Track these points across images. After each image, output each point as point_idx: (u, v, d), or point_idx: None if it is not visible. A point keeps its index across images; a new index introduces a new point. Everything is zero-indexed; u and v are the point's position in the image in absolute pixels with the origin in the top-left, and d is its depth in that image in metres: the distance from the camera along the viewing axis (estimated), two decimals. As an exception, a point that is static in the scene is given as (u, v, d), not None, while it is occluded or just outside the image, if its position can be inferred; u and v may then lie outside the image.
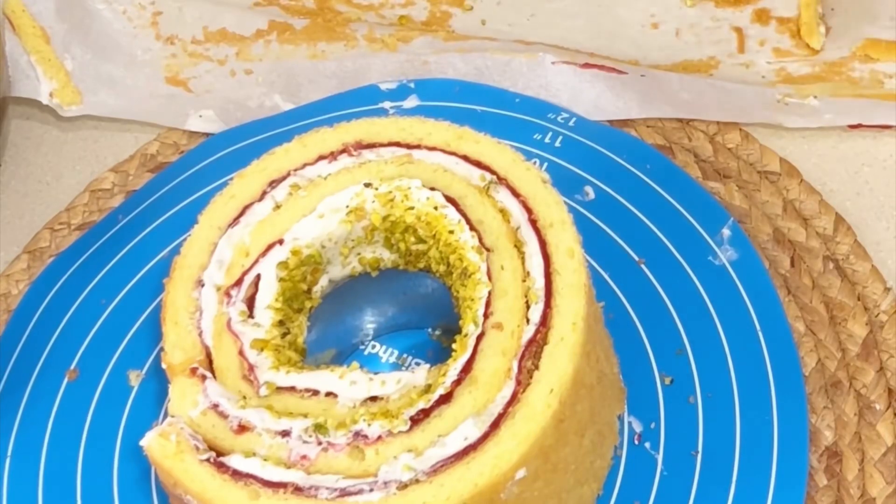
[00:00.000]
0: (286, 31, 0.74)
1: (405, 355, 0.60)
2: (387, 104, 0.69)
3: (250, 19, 0.75)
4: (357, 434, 0.48)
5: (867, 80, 0.67)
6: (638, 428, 0.56)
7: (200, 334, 0.52)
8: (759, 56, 0.70)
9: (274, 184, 0.55)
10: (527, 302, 0.50)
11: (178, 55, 0.75)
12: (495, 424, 0.47)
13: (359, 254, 0.55)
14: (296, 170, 0.55)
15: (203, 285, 0.53)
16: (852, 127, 0.66)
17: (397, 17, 0.75)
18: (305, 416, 0.49)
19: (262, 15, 0.76)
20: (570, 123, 0.67)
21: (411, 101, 0.69)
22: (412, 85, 0.70)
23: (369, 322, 0.60)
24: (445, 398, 0.48)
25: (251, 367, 0.51)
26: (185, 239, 0.54)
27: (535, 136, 0.66)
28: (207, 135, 0.71)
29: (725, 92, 0.67)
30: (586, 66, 0.68)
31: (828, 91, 0.66)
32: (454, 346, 0.50)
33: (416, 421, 0.48)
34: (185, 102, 0.72)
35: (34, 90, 0.72)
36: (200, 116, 0.72)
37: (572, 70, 0.68)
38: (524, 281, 0.50)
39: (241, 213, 0.54)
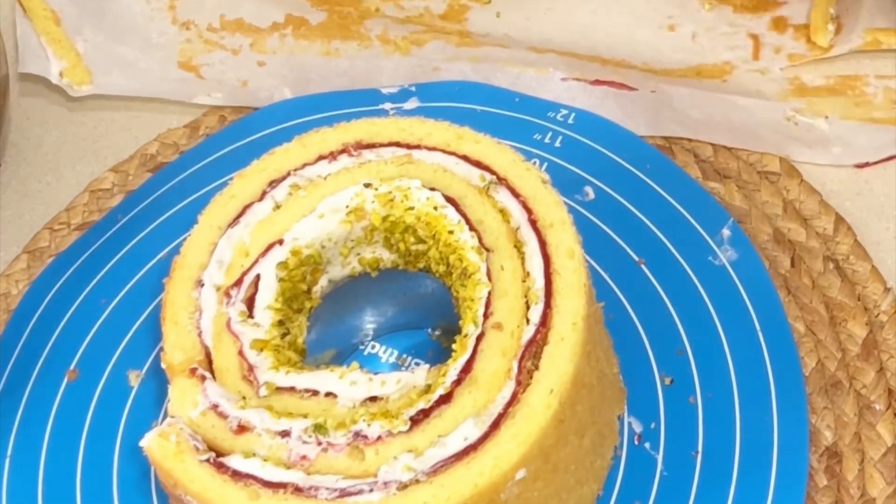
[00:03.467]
0: (302, 26, 0.74)
1: (405, 355, 0.60)
2: (387, 105, 0.69)
3: (267, 11, 0.75)
4: (357, 434, 0.48)
5: (880, 100, 0.66)
6: (638, 428, 0.56)
7: (200, 334, 0.52)
8: (773, 63, 0.70)
9: (274, 184, 0.55)
10: (527, 302, 0.50)
11: (192, 41, 0.75)
12: (495, 425, 0.47)
13: (358, 254, 0.55)
14: (296, 170, 0.55)
15: (203, 285, 0.53)
16: (859, 167, 0.65)
17: (416, 10, 0.75)
18: (305, 416, 0.49)
19: (280, 6, 0.75)
20: (570, 120, 0.67)
21: (412, 103, 0.69)
22: (413, 88, 0.70)
23: (369, 322, 0.60)
24: (445, 398, 0.48)
25: (251, 368, 0.51)
26: (185, 239, 0.54)
27: (535, 136, 0.66)
28: (208, 135, 0.71)
29: (737, 109, 0.67)
30: (596, 82, 0.68)
31: (839, 111, 0.66)
32: (454, 346, 0.50)
33: (416, 421, 0.48)
34: (195, 87, 0.73)
35: (45, 69, 0.72)
36: (209, 96, 0.72)
37: (582, 87, 0.68)
38: (524, 281, 0.50)
39: (241, 213, 0.54)
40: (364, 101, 0.69)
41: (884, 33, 0.68)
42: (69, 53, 0.72)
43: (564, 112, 0.67)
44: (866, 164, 0.65)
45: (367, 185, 0.54)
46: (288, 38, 0.74)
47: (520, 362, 0.48)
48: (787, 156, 0.65)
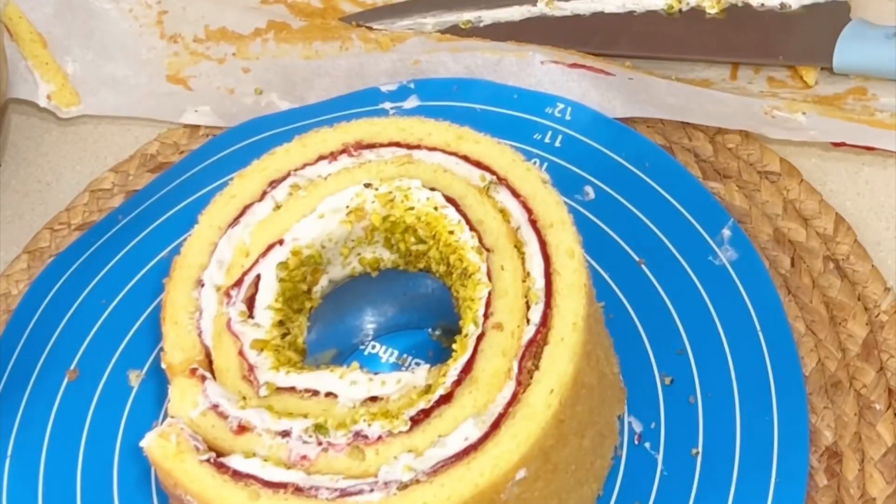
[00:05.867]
0: (283, 31, 0.75)
1: (405, 355, 0.60)
2: (387, 104, 0.69)
3: (250, 18, 0.76)
4: (357, 434, 0.48)
5: (858, 111, 0.67)
6: (638, 428, 0.56)
7: (200, 334, 0.52)
8: (752, 86, 0.70)
9: (274, 184, 0.55)
10: (527, 302, 0.50)
11: (180, 53, 0.75)
12: (495, 425, 0.47)
13: (359, 254, 0.55)
14: (296, 170, 0.55)
15: (203, 285, 0.53)
16: (836, 145, 0.65)
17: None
18: (305, 416, 0.49)
19: (263, 14, 0.76)
20: (567, 116, 0.67)
21: (411, 102, 0.69)
22: (412, 85, 0.70)
23: (369, 322, 0.60)
24: (445, 398, 0.48)
25: (251, 368, 0.51)
26: (185, 239, 0.54)
27: (535, 136, 0.66)
28: (208, 135, 0.71)
29: (714, 101, 0.67)
30: (574, 65, 0.69)
31: (818, 110, 0.66)
32: (454, 346, 0.50)
33: (416, 421, 0.48)
34: (183, 100, 0.73)
35: (32, 93, 0.73)
36: (196, 111, 0.72)
37: (560, 69, 0.69)
38: (524, 281, 0.50)
39: (241, 213, 0.54)
40: (364, 101, 0.69)
41: None
42: (56, 76, 0.74)
43: (561, 106, 0.67)
44: (842, 144, 0.65)
45: (368, 185, 0.54)
46: (270, 42, 0.75)
47: (520, 362, 0.48)
48: (763, 134, 0.65)
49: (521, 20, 0.74)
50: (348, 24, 0.76)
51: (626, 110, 0.67)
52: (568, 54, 0.70)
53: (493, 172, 0.53)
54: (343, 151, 0.55)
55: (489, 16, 0.75)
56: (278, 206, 0.54)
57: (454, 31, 0.74)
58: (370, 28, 0.75)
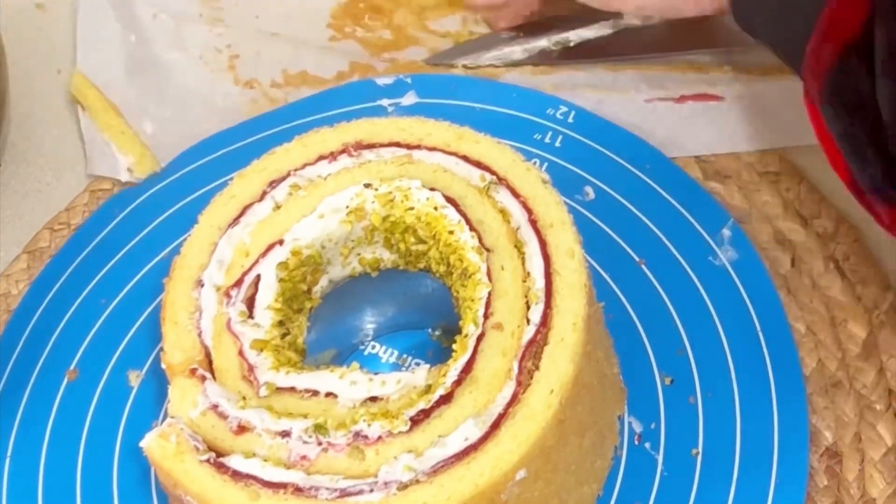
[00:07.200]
0: (368, 73, 0.72)
1: (405, 355, 0.60)
2: (385, 101, 0.69)
3: (331, 60, 0.73)
4: (357, 434, 0.48)
5: None
6: (638, 428, 0.56)
7: (200, 334, 0.52)
8: None
9: (274, 184, 0.55)
10: (527, 302, 0.50)
11: (257, 100, 0.72)
12: (496, 425, 0.47)
13: (359, 254, 0.55)
14: (296, 170, 0.55)
15: (203, 285, 0.53)
16: None
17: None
18: (305, 416, 0.49)
19: (340, 54, 0.73)
20: (570, 119, 0.67)
21: (409, 98, 0.69)
22: (409, 80, 0.69)
23: (369, 322, 0.60)
24: (445, 398, 0.48)
25: (251, 368, 0.51)
26: (185, 239, 0.54)
27: (535, 136, 0.66)
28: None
29: None
30: (682, 99, 0.68)
31: None
32: (454, 346, 0.50)
33: (416, 421, 0.48)
34: None
35: (113, 168, 0.69)
36: None
37: (668, 106, 0.68)
38: (524, 281, 0.50)
39: (241, 213, 0.54)
40: (360, 94, 0.69)
41: None
42: (134, 146, 0.69)
43: (564, 109, 0.67)
44: None
45: (368, 186, 0.54)
46: None
47: (520, 362, 0.48)
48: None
49: (612, 34, 0.72)
50: (434, 65, 0.73)
51: (751, 142, 0.65)
52: (670, 80, 0.68)
53: (493, 172, 0.53)
54: (343, 151, 0.55)
55: (576, 35, 0.72)
56: (278, 206, 0.54)
57: (545, 55, 0.72)
58: (452, 66, 0.72)
